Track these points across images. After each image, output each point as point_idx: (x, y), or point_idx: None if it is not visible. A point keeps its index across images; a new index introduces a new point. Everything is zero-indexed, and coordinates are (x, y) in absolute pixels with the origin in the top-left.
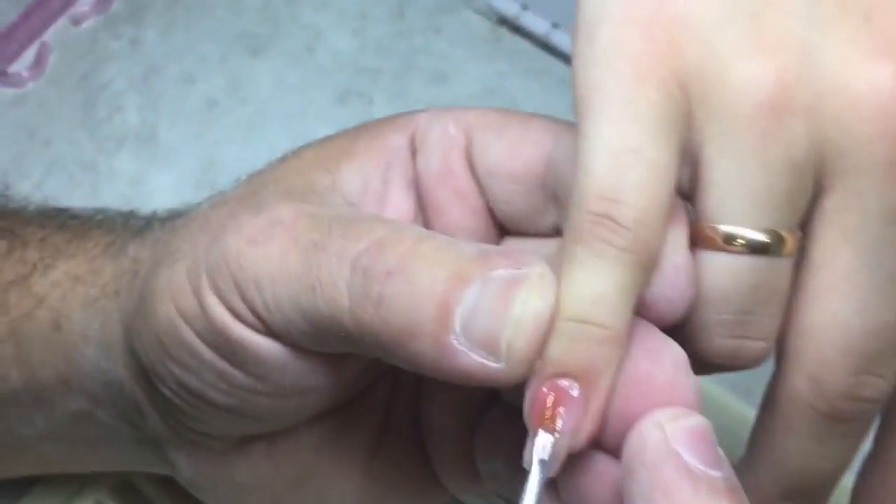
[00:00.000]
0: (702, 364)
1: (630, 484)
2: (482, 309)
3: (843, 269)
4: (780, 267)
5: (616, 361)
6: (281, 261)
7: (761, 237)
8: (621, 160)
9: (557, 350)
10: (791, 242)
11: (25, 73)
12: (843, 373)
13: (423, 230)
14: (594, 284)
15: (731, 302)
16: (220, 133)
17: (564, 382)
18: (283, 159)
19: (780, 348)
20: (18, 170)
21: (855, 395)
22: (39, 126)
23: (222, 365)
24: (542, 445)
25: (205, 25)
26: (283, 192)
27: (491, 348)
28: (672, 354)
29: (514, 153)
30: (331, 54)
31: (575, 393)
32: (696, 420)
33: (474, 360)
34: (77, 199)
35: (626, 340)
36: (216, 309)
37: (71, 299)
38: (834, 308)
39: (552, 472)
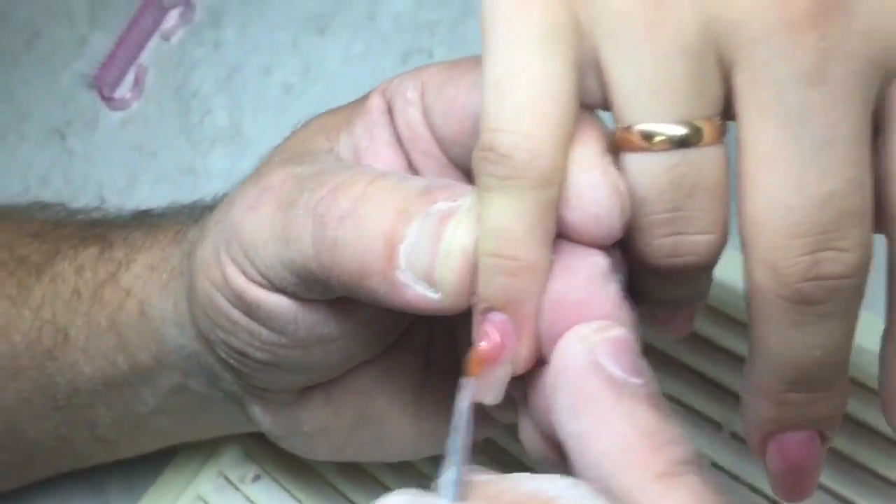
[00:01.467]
0: (652, 267)
1: (556, 400)
2: (420, 243)
3: (769, 147)
4: (704, 157)
5: (533, 288)
6: (268, 222)
7: (676, 129)
8: (501, 87)
9: (480, 285)
10: (710, 131)
11: (128, 95)
12: (795, 254)
13: (380, 171)
14: (493, 218)
15: (659, 200)
16: (296, 115)
17: (494, 318)
18: (294, 131)
19: (741, 241)
20: (133, 183)
21: (814, 274)
22: (146, 141)
23: (249, 324)
24: (466, 391)
25: (275, 15)
26: (283, 160)
27: (429, 280)
28: (586, 268)
29: (449, 113)
30: (391, 17)
31: (503, 326)
32: (617, 331)
33: (419, 292)
34: (181, 202)
35: (545, 266)
36: (233, 275)
37: (150, 287)
38: (770, 189)
39: (495, 400)
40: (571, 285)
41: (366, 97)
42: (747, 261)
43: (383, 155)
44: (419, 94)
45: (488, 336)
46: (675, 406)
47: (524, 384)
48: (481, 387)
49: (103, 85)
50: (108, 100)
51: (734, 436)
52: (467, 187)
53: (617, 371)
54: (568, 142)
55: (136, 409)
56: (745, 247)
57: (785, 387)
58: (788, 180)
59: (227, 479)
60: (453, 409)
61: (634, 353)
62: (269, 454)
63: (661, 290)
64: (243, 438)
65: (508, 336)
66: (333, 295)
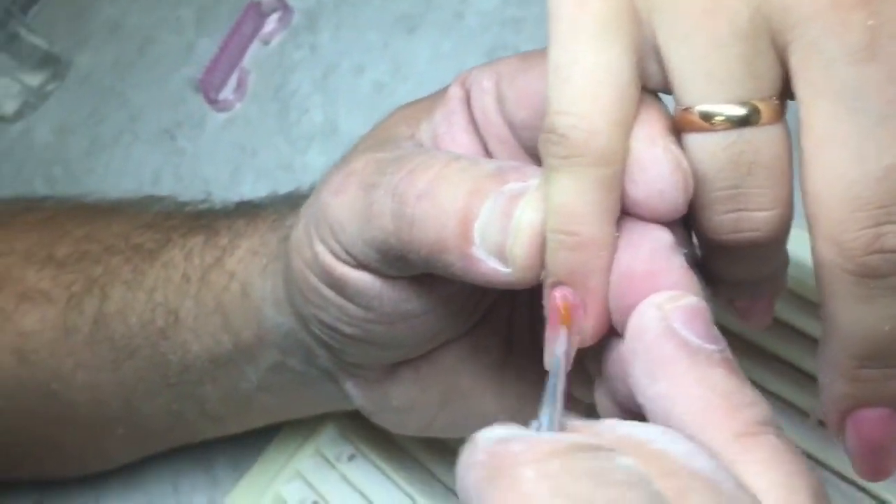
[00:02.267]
0: (717, 244)
1: (633, 366)
2: (492, 221)
3: (826, 124)
4: (761, 136)
5: (597, 263)
6: (352, 204)
7: (734, 110)
8: (561, 73)
9: (549, 260)
10: (767, 111)
11: (231, 97)
12: (858, 227)
13: (455, 154)
14: (556, 196)
15: (719, 177)
16: (388, 112)
17: (562, 290)
18: (378, 121)
19: (806, 220)
20: (237, 179)
21: (878, 247)
22: (247, 140)
23: (338, 300)
24: (553, 343)
25: (367, 17)
26: (367, 147)
27: (501, 256)
28: (650, 242)
29: (520, 100)
30: (479, 15)
31: (571, 298)
32: (690, 299)
33: (492, 267)
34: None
35: (608, 241)
36: (323, 253)
37: (251, 270)
38: (830, 164)
39: (566, 368)
40: (637, 258)
41: (446, 88)
42: (813, 238)
43: (460, 140)
44: (494, 83)
45: (555, 303)
46: (761, 393)
47: (599, 358)
48: (551, 354)
49: (209, 88)
50: (213, 102)
51: (821, 423)
52: (537, 169)
53: (691, 336)
54: (628, 122)
55: (241, 386)
56: (810, 225)
57: (857, 363)
58: (847, 156)
59: (324, 457)
60: (546, 362)
61: (707, 320)
62: (363, 434)
63: (730, 269)
64: (340, 418)
65: (572, 308)
66: (414, 271)
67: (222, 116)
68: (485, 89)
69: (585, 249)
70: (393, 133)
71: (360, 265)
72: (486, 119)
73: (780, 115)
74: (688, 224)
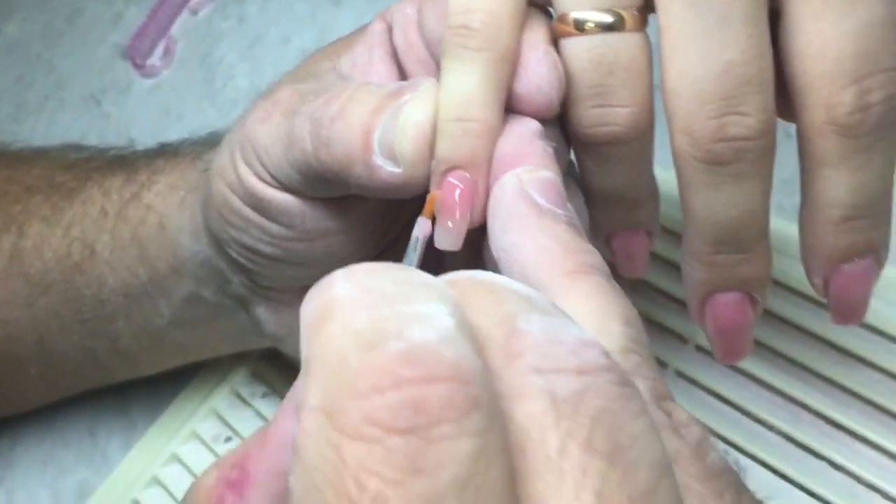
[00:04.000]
0: (586, 140)
1: (492, 224)
2: (386, 128)
3: (676, 25)
4: (622, 41)
5: (490, 147)
6: (276, 130)
7: (603, 17)
8: None
9: (444, 148)
10: (630, 19)
11: (158, 64)
12: (705, 118)
13: (366, 82)
14: (463, 86)
15: (588, 75)
16: None
17: (457, 174)
18: (301, 61)
19: (665, 116)
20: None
21: (722, 136)
22: (173, 105)
23: (260, 220)
24: (421, 228)
25: None
26: (291, 79)
27: (392, 156)
28: (520, 128)
29: (440, 16)
30: None
31: (465, 181)
32: (545, 173)
33: (388, 171)
34: None
35: (499, 128)
36: (247, 176)
37: (169, 203)
38: (680, 62)
39: (453, 247)
40: (508, 142)
41: (366, 25)
42: (670, 132)
43: (378, 69)
44: (416, 9)
45: (452, 186)
46: (645, 322)
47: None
48: (445, 233)
49: (136, 54)
50: (139, 68)
51: (698, 348)
52: (429, 79)
53: (541, 200)
54: (521, 26)
55: (154, 322)
56: (668, 120)
57: (711, 248)
58: (694, 52)
59: (239, 395)
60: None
61: (559, 192)
62: (276, 375)
63: (601, 174)
64: (254, 361)
65: (470, 187)
66: (333, 192)
67: (148, 83)
68: (407, 15)
69: (485, 135)
70: (315, 68)
71: (284, 187)
72: (407, 42)
73: (641, 24)
74: (564, 129)
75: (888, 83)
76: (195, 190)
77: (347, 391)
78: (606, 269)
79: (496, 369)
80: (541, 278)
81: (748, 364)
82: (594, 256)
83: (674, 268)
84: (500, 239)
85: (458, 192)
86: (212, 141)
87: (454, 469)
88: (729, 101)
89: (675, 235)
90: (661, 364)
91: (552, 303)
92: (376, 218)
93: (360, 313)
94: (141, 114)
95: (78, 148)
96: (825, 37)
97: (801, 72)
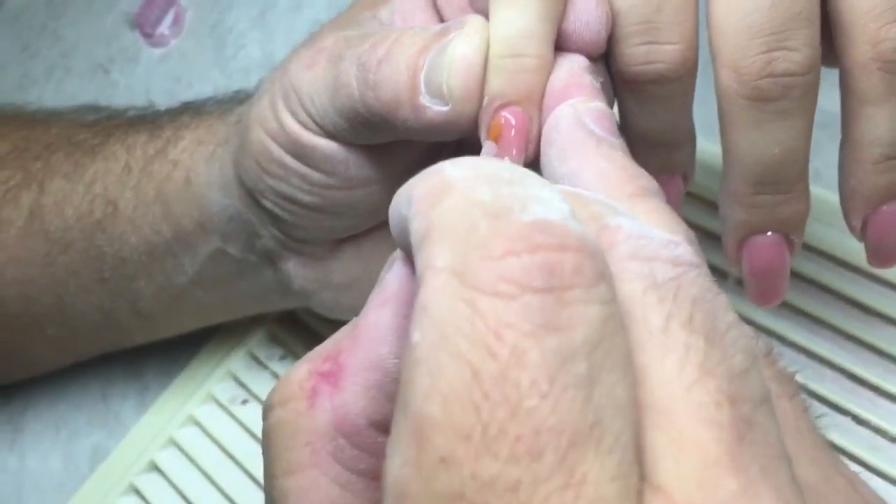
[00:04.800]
0: (631, 78)
1: (548, 154)
2: (433, 65)
3: None
4: None
5: (543, 82)
6: (322, 76)
7: None
8: None
9: (499, 84)
10: None
11: (167, 33)
12: (752, 53)
13: (409, 26)
14: (517, 21)
15: (636, 11)
16: None
17: (512, 110)
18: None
19: (710, 53)
20: None
21: (768, 71)
22: (183, 73)
23: (301, 168)
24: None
25: None
26: (334, 26)
27: (439, 94)
28: (569, 63)
29: None
30: None
31: (521, 116)
32: (598, 104)
33: (435, 111)
34: None
35: (551, 64)
36: (290, 123)
37: (197, 157)
38: None
39: None
40: (558, 76)
41: None
42: (715, 69)
43: (419, 17)
44: None
45: (508, 122)
46: None
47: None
48: None
49: (145, 23)
50: (148, 37)
51: (738, 282)
52: (476, 16)
53: (597, 129)
54: None
55: (175, 280)
56: (713, 58)
57: (752, 188)
58: None
59: (255, 358)
60: None
61: (612, 122)
62: (293, 337)
63: (643, 114)
64: (271, 324)
65: (526, 123)
66: (377, 137)
67: (157, 52)
68: None
69: (540, 70)
70: (357, 17)
71: (328, 134)
72: None
73: None
74: (608, 67)
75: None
76: (224, 143)
77: (480, 252)
78: (663, 194)
79: None
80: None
81: (770, 321)
82: (651, 182)
83: (709, 205)
84: (559, 168)
85: (513, 127)
86: (238, 98)
87: (586, 330)
88: (777, 35)
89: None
90: None
91: (630, 213)
92: (417, 167)
93: (482, 188)
94: (150, 83)
95: (95, 109)
96: None
97: (847, 7)
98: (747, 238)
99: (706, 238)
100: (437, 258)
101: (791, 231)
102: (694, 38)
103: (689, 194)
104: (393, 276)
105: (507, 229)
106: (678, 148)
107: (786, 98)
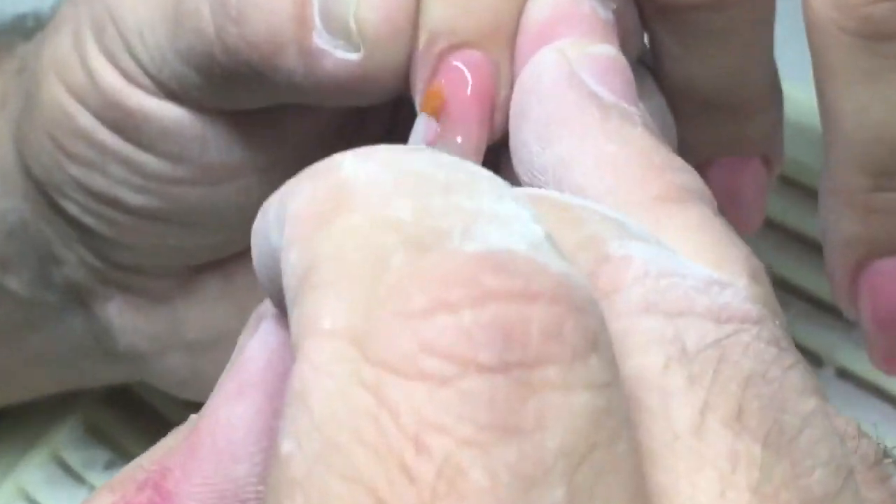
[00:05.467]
0: (661, 3)
1: (522, 128)
2: None
3: None
4: None
5: (519, 9)
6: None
7: None
8: None
9: (442, 13)
10: None
11: None
12: None
13: None
14: None
15: None
16: None
17: (467, 56)
18: None
19: None
20: None
21: None
22: None
23: (127, 149)
24: (423, 130)
25: None
26: None
27: (344, 32)
28: None
29: None
30: None
31: (481, 66)
32: (604, 48)
33: (337, 57)
34: None
35: None
36: (107, 74)
37: None
38: None
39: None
40: (537, 3)
41: None
42: None
43: None
44: None
45: (460, 75)
46: None
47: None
48: (452, 153)
49: None
50: None
51: (841, 373)
52: None
53: (601, 89)
54: None
55: None
56: None
57: (870, 181)
58: None
59: (64, 465)
60: None
61: (625, 76)
62: (126, 427)
63: (691, 60)
64: (87, 406)
65: (489, 77)
66: (249, 99)
67: None
68: None
69: None
70: None
71: (169, 92)
72: None
73: None
74: None
75: None
76: (1, 106)
77: (392, 306)
78: (711, 197)
79: None
80: (611, 206)
81: None
82: (692, 177)
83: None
84: (540, 154)
85: (469, 84)
86: (22, 28)
87: (565, 434)
88: None
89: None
90: None
91: (650, 233)
92: (323, 145)
93: (399, 199)
94: None
95: None
96: None
97: None
98: (866, 263)
99: (798, 257)
100: (323, 316)
101: None
102: None
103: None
104: (257, 345)
105: (436, 268)
106: (753, 114)
107: None
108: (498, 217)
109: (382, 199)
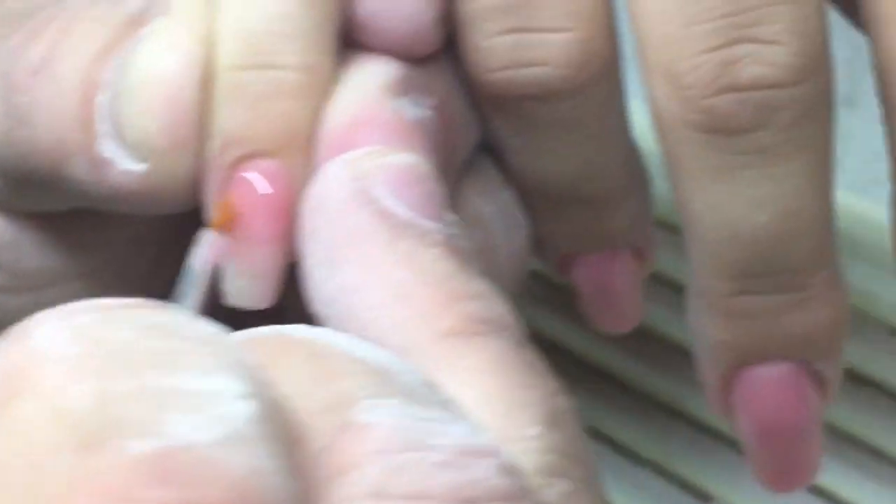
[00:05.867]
0: (491, 89)
1: (310, 250)
2: (117, 86)
3: None
4: None
5: (309, 113)
6: None
7: None
8: None
9: (233, 119)
10: None
11: None
12: (697, 49)
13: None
14: (262, 4)
15: None
16: None
17: (259, 166)
18: None
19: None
20: None
21: (730, 81)
22: None
23: None
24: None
25: None
26: None
27: (131, 140)
28: (363, 76)
29: None
30: None
31: (279, 177)
32: (402, 157)
33: (122, 169)
34: None
35: (327, 80)
36: None
37: None
38: None
39: (265, 300)
40: (340, 104)
41: None
42: (644, 78)
43: None
44: None
45: (250, 188)
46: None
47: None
48: (242, 275)
49: None
50: None
51: None
52: None
53: (398, 206)
54: None
55: None
56: (639, 56)
57: (730, 284)
58: None
59: None
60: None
61: (430, 190)
62: None
63: (533, 152)
64: None
65: (285, 188)
66: (51, 201)
67: None
68: None
69: (306, 91)
70: None
71: None
72: None
73: None
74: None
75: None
76: None
77: None
78: (514, 324)
79: (316, 488)
80: (397, 344)
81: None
82: (491, 304)
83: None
84: (327, 280)
85: (264, 197)
86: None
87: None
88: (740, 17)
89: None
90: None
91: (423, 379)
92: (150, 245)
93: (80, 384)
94: None
95: None
96: None
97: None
98: (737, 371)
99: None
100: None
101: (815, 357)
102: (600, 16)
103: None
104: None
105: (96, 477)
106: (612, 207)
107: (766, 126)
108: (195, 397)
109: (63, 381)
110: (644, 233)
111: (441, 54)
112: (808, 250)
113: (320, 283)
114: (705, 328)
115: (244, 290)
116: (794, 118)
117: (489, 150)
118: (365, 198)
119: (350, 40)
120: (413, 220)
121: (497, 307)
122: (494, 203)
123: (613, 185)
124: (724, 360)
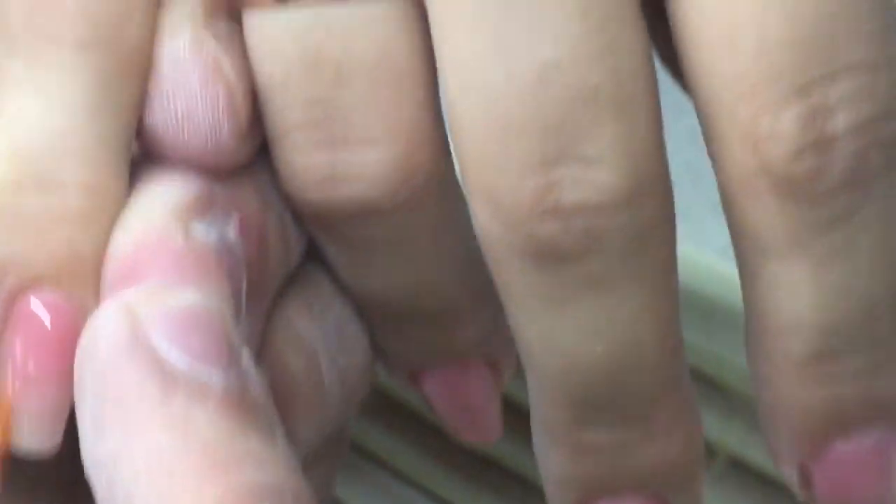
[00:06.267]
0: (305, 207)
1: (77, 405)
2: None
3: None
4: (367, 17)
5: (97, 240)
6: None
7: None
8: None
9: (7, 242)
10: None
11: None
12: (515, 171)
13: None
14: (48, 117)
15: (298, 86)
16: None
17: (41, 296)
18: None
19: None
20: None
21: (552, 205)
22: None
23: None
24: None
25: None
26: None
27: None
28: (156, 196)
29: None
30: None
31: (62, 309)
32: (187, 296)
33: None
34: None
35: (120, 198)
36: None
37: None
38: (461, 65)
39: (48, 449)
40: (123, 230)
41: None
42: (465, 194)
43: None
44: None
45: (29, 321)
46: None
47: None
48: (30, 427)
49: None
50: None
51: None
52: None
53: (177, 356)
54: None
55: None
56: (461, 173)
57: (569, 415)
58: (482, 48)
59: None
60: None
61: (216, 333)
62: None
63: (361, 270)
64: None
65: (67, 323)
66: None
67: None
68: None
69: (88, 216)
70: None
71: None
72: None
73: None
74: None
75: (860, 93)
76: None
77: None
78: (297, 487)
79: None
80: None
81: None
82: (267, 471)
83: None
84: (95, 442)
85: (46, 331)
86: None
87: None
88: (560, 137)
89: None
90: None
91: None
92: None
93: None
94: None
95: None
96: (735, 8)
97: (699, 74)
98: None
99: None
100: None
101: (667, 490)
102: (424, 126)
103: None
104: None
105: None
106: (458, 321)
107: (594, 253)
108: None
109: None
110: (500, 343)
111: (255, 165)
112: (652, 381)
113: (90, 447)
114: (553, 465)
115: (25, 432)
116: (625, 245)
117: (321, 259)
118: (138, 347)
119: (150, 153)
120: (190, 373)
121: (275, 472)
122: (323, 319)
123: (456, 299)
124: (571, 493)
